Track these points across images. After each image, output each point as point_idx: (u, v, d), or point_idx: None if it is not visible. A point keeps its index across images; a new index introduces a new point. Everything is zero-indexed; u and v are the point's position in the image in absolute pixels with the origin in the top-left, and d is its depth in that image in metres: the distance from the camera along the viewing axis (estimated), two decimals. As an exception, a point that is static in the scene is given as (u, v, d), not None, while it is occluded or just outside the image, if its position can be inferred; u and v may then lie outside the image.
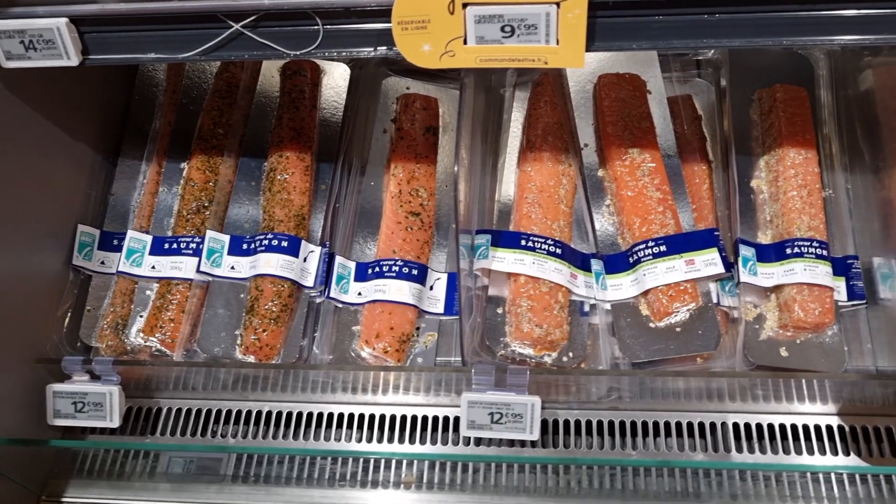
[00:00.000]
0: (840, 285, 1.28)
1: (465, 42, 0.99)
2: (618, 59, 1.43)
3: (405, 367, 1.27)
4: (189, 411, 1.34)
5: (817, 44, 1.02)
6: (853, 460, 1.21)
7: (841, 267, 1.29)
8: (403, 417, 1.31)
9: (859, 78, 1.45)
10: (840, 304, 1.27)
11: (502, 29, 0.98)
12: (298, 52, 1.07)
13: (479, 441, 1.26)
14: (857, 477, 1.19)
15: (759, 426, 1.25)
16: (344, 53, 1.07)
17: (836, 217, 1.34)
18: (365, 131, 1.49)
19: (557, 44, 0.97)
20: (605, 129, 1.36)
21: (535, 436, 1.18)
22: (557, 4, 0.94)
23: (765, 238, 1.30)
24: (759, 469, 1.20)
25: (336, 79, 1.51)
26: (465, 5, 0.95)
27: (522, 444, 1.24)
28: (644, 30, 1.00)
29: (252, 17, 1.04)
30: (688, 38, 1.00)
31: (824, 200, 1.33)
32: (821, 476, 1.20)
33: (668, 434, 1.25)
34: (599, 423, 1.27)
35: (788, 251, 1.25)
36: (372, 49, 1.06)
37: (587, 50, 0.98)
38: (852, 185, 1.37)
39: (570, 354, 1.26)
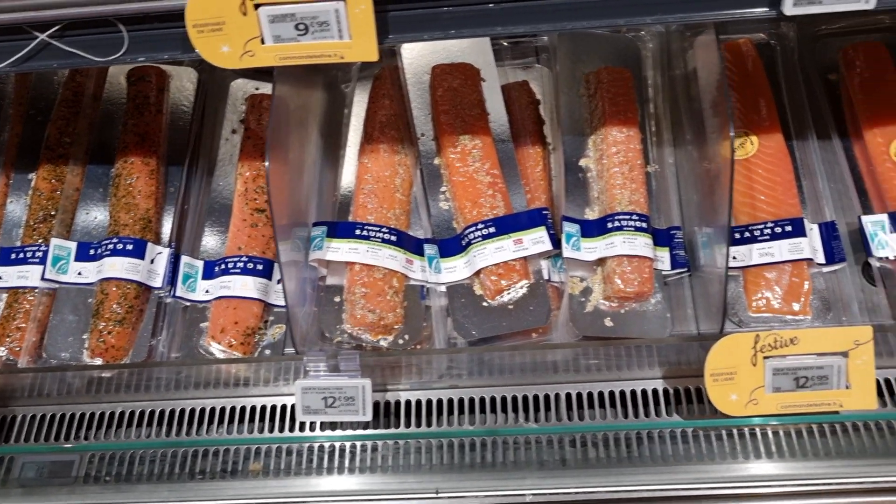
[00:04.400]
0: (664, 255, 1.34)
1: (262, 42, 1.02)
2: (461, 48, 1.47)
3: (241, 359, 1.30)
4: (43, 417, 1.36)
5: (595, 27, 1.08)
6: (675, 419, 1.27)
7: (664, 238, 1.35)
8: (253, 408, 1.34)
9: (686, 57, 1.51)
10: (664, 273, 1.33)
11: (296, 27, 1.02)
12: (106, 59, 1.09)
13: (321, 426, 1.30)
14: (680, 433, 1.25)
15: (590, 395, 1.30)
16: (153, 57, 1.10)
17: (662, 190, 1.40)
18: (214, 133, 1.52)
19: (350, 38, 1.02)
20: (439, 118, 1.40)
21: (368, 417, 1.23)
22: (345, 0, 0.99)
23: (592, 214, 1.36)
24: (586, 431, 1.25)
25: (185, 82, 1.54)
26: (256, 6, 0.99)
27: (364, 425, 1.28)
28: (434, 21, 1.05)
29: (56, 28, 1.07)
30: (475, 26, 1.05)
31: (647, 175, 1.38)
32: (645, 434, 1.25)
33: (503, 409, 1.30)
34: (439, 401, 1.31)
35: (609, 225, 1.31)
36: (180, 52, 1.09)
37: (381, 43, 1.02)
38: (677, 159, 1.44)
39: (406, 337, 1.30)
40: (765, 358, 1.17)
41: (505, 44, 1.54)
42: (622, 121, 1.38)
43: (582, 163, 1.40)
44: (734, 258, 1.35)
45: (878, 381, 1.26)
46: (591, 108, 1.43)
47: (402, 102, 1.45)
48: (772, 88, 1.48)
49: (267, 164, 1.12)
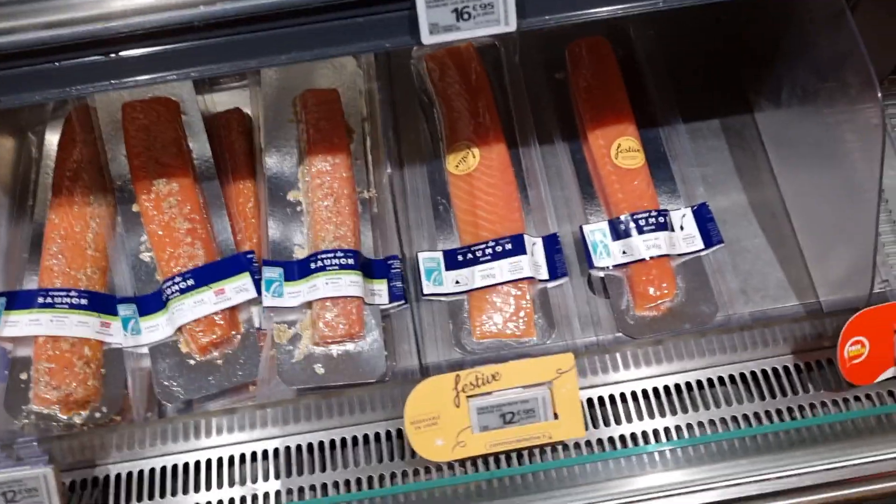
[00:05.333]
0: (382, 288, 1.26)
1: None
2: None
3: None
4: None
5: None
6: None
7: (382, 269, 1.27)
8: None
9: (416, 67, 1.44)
10: (383, 307, 1.26)
11: None
12: None
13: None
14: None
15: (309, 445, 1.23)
16: None
17: (380, 217, 1.32)
18: None
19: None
20: (132, 162, 1.29)
21: (55, 508, 1.13)
22: None
23: (302, 253, 1.27)
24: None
25: None
26: None
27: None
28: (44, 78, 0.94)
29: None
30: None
31: (366, 202, 1.30)
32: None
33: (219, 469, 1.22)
34: (152, 470, 1.22)
35: (312, 266, 1.22)
36: None
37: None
38: (405, 181, 1.37)
39: (104, 409, 1.20)
40: (468, 397, 1.11)
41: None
42: (328, 148, 1.29)
43: (291, 196, 1.31)
44: (457, 282, 1.29)
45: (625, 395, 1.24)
46: (300, 134, 1.33)
47: (95, 146, 1.33)
48: (498, 93, 1.42)
49: None
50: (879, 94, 1.02)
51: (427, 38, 0.95)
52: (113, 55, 0.90)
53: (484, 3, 0.93)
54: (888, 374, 1.15)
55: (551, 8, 0.95)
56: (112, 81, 0.91)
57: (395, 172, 1.38)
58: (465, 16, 0.94)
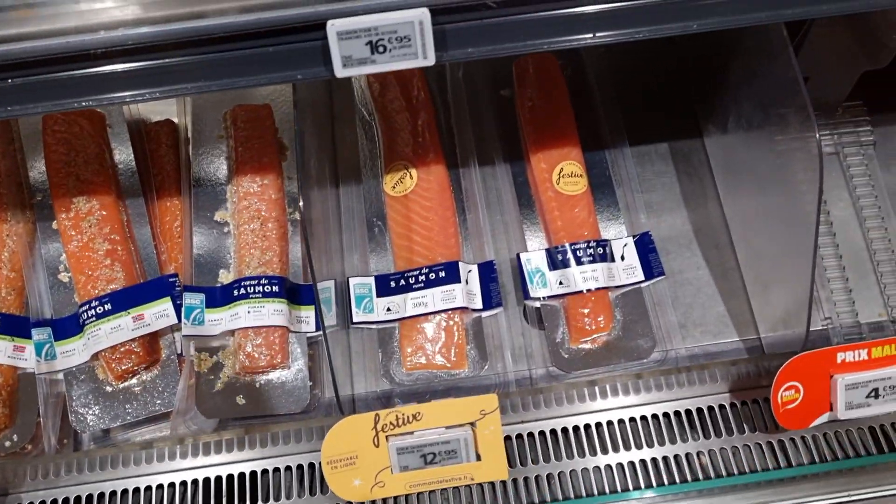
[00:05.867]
0: (309, 315, 1.22)
1: None
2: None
3: None
4: None
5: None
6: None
7: (310, 295, 1.23)
8: None
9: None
10: (309, 335, 1.22)
11: None
12: None
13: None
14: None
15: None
16: None
17: (323, 240, 1.28)
18: None
19: None
20: (51, 178, 1.23)
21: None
22: None
23: (228, 277, 1.22)
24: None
25: None
26: None
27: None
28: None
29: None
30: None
31: (289, 226, 1.26)
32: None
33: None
34: (54, 500, 1.18)
35: (235, 293, 1.18)
36: None
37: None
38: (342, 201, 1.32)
39: (15, 438, 1.16)
40: (388, 437, 1.08)
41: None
42: (257, 168, 1.24)
43: (218, 216, 1.26)
44: (388, 309, 1.24)
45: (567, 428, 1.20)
46: (228, 152, 1.28)
47: (14, 158, 1.27)
48: (441, 110, 1.37)
49: None
50: (817, 132, 0.98)
51: (340, 72, 0.90)
52: None
53: (400, 35, 0.88)
54: (823, 419, 1.12)
55: (473, 42, 0.91)
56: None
57: (331, 191, 1.33)
58: (381, 48, 0.89)
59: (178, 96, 0.86)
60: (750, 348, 1.23)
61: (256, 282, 1.18)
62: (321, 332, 1.21)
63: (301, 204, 0.97)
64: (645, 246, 1.27)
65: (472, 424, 1.08)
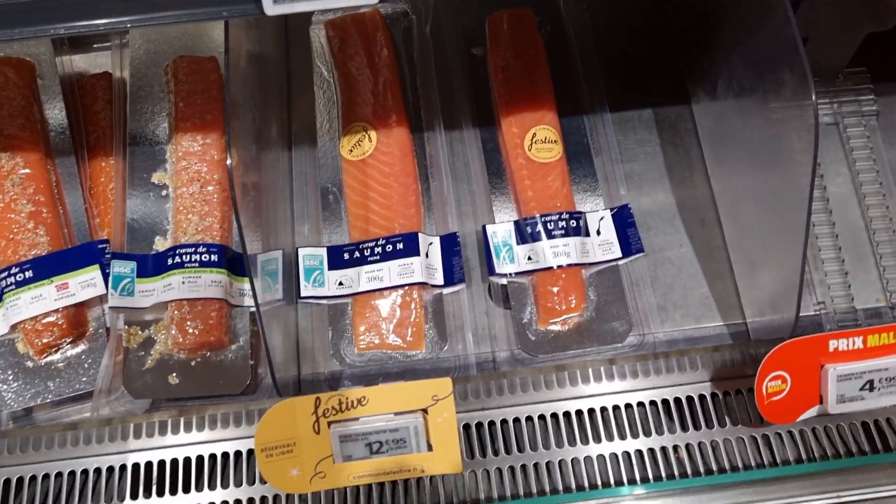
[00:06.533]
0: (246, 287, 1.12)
1: None
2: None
3: None
4: None
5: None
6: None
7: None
8: None
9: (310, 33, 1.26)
10: (254, 311, 1.11)
11: None
12: None
13: None
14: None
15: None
16: None
17: (265, 206, 1.17)
18: None
19: None
20: (-28, 132, 1.12)
21: None
22: None
23: (164, 244, 1.11)
24: None
25: None
26: None
27: None
28: None
29: None
30: None
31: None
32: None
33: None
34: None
35: (170, 262, 1.07)
36: None
37: None
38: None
39: (-77, 416, 1.06)
40: (329, 423, 0.97)
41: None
42: (199, 125, 1.13)
43: (156, 178, 1.15)
44: (340, 283, 1.14)
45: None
46: (169, 108, 1.17)
47: (-65, 112, 1.16)
48: (406, 69, 1.25)
49: None
50: (814, 97, 0.87)
51: (270, 9, 0.79)
52: None
53: (338, -33, 0.77)
54: (811, 413, 1.02)
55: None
56: None
57: (283, 154, 1.22)
58: (317, -18, 0.78)
59: (90, 33, 0.75)
60: (734, 334, 1.13)
61: (193, 249, 1.07)
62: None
63: (229, 162, 0.85)
64: (623, 220, 1.16)
65: (424, 411, 0.98)
